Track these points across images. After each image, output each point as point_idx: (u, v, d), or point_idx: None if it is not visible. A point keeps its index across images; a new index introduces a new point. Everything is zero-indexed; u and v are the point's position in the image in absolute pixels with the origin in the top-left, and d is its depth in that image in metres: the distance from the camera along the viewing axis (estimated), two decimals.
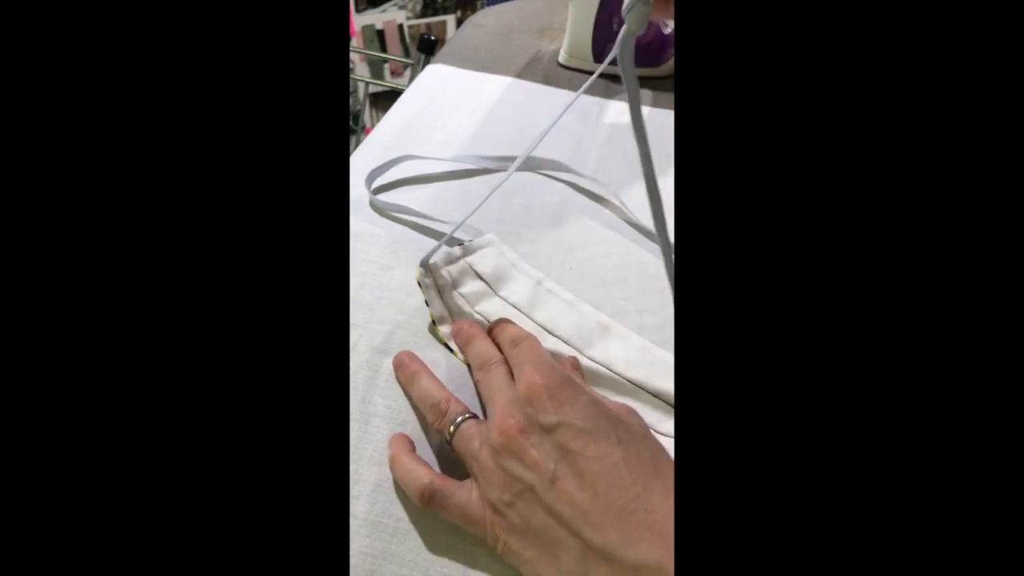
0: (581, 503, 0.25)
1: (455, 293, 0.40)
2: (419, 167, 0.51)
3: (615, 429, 0.27)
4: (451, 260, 0.41)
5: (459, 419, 0.30)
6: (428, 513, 0.30)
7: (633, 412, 0.30)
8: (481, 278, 0.41)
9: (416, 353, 0.37)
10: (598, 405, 0.28)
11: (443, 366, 0.37)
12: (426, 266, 0.40)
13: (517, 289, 0.41)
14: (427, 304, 0.39)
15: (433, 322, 0.38)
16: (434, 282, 0.40)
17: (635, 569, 0.23)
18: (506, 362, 0.32)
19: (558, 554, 0.25)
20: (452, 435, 0.30)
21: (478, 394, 0.34)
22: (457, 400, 0.32)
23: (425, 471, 0.30)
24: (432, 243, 0.44)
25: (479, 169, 0.51)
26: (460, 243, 0.43)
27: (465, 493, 0.29)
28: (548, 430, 0.27)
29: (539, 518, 0.26)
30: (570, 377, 0.29)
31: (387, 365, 0.37)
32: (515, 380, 0.29)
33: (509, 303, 0.40)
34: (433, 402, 0.32)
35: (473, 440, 0.29)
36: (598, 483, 0.25)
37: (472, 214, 0.37)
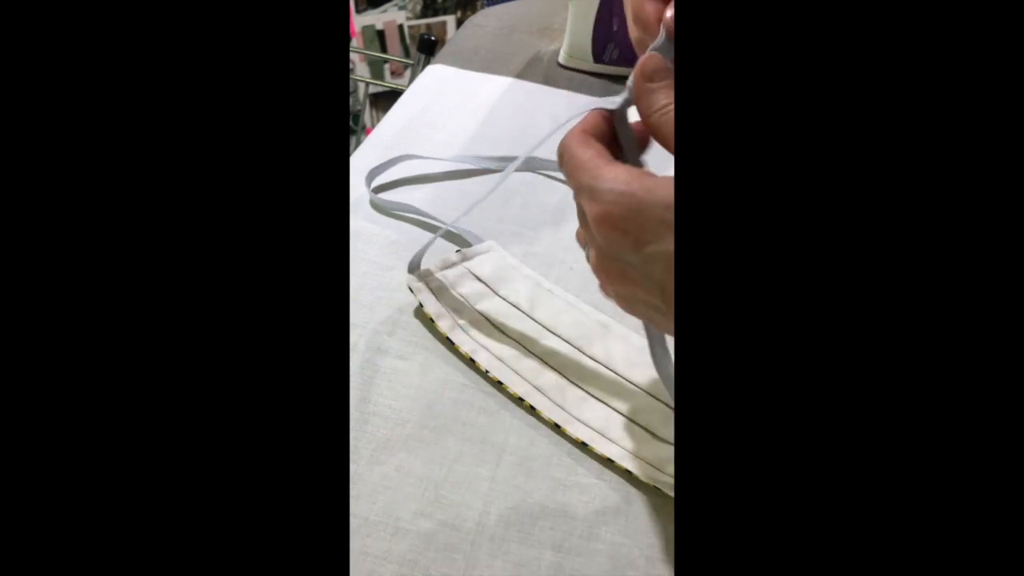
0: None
1: (454, 293, 0.40)
2: (419, 167, 0.51)
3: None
4: (447, 265, 0.41)
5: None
6: (427, 513, 0.30)
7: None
8: (480, 280, 0.41)
9: (415, 352, 0.37)
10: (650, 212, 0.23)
11: (441, 364, 0.37)
12: (416, 271, 0.40)
13: (517, 288, 0.41)
14: (421, 306, 0.39)
15: (431, 320, 0.38)
16: (426, 285, 0.40)
17: None
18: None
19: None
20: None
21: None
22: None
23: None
24: (432, 244, 0.44)
25: (479, 169, 0.51)
26: (459, 248, 0.43)
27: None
28: (638, 265, 0.24)
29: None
30: (630, 190, 0.24)
31: (387, 365, 0.37)
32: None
33: (509, 302, 0.40)
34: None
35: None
36: None
37: (465, 213, 0.37)
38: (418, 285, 0.39)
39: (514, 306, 0.40)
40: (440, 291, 0.40)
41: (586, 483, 0.32)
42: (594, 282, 0.42)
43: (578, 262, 0.44)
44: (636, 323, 0.40)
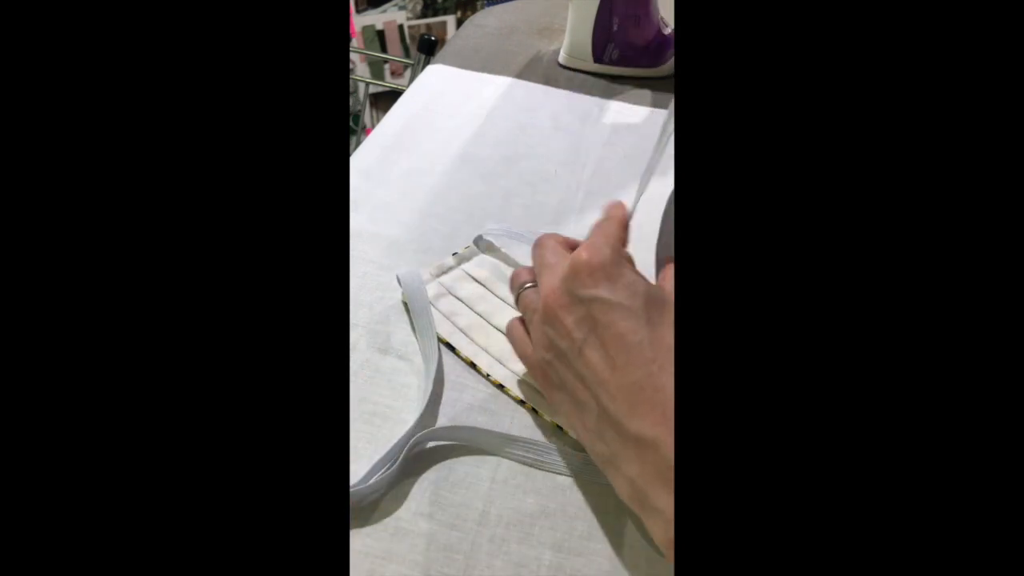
0: (601, 372, 0.28)
1: (452, 297, 0.40)
2: (419, 166, 0.51)
3: (648, 309, 0.28)
4: (444, 270, 0.41)
5: (524, 286, 0.34)
6: (428, 513, 0.30)
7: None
8: (478, 282, 0.41)
9: (415, 352, 0.37)
10: (637, 285, 0.29)
11: (445, 365, 0.37)
12: (407, 285, 0.39)
13: None
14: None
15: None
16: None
17: (635, 439, 0.26)
18: (560, 244, 0.34)
19: (584, 411, 0.29)
20: (517, 300, 0.34)
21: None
22: (528, 270, 0.35)
23: (521, 328, 0.35)
24: (432, 244, 0.44)
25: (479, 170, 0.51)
26: (455, 252, 0.43)
27: (525, 343, 0.33)
28: (585, 302, 0.29)
29: (570, 379, 0.29)
30: (616, 259, 0.29)
31: (387, 365, 0.37)
32: None
33: (508, 304, 0.40)
34: (513, 275, 0.36)
35: (529, 307, 0.33)
36: (619, 357, 0.27)
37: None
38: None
39: (513, 307, 0.40)
40: (437, 298, 0.40)
41: (586, 483, 0.32)
42: None
43: None
44: None
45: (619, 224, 0.32)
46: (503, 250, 0.44)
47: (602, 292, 0.28)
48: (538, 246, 0.34)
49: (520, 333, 0.34)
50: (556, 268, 0.31)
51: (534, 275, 0.34)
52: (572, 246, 0.33)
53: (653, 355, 0.26)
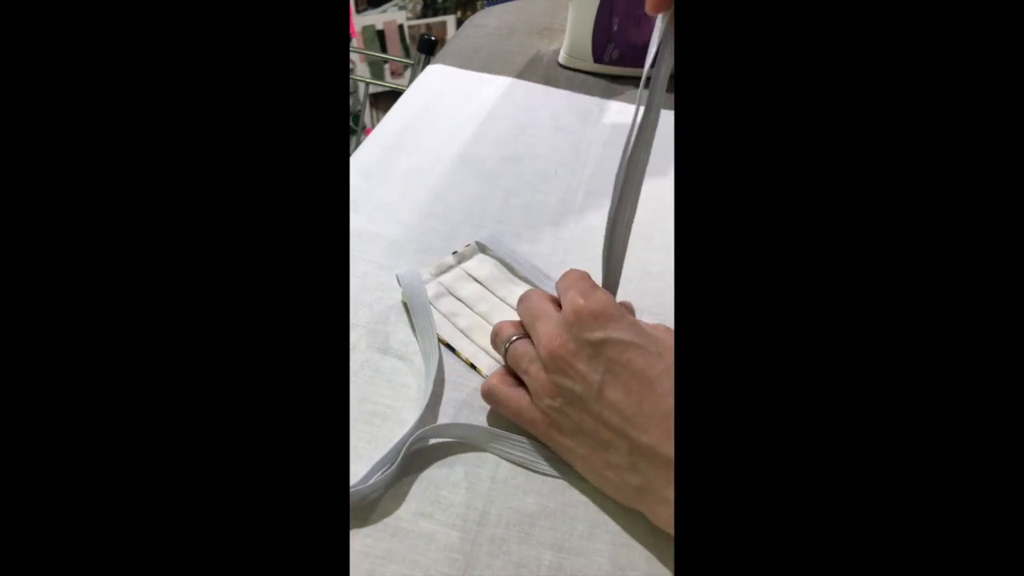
0: (626, 409, 0.29)
1: (452, 298, 0.40)
2: (419, 166, 0.51)
3: (655, 344, 0.30)
4: (443, 270, 0.41)
5: (511, 340, 0.34)
6: (428, 513, 0.30)
7: (669, 331, 0.32)
8: (478, 281, 0.41)
9: (415, 353, 0.37)
10: (637, 325, 0.31)
11: (445, 365, 0.37)
12: (406, 285, 0.39)
13: (515, 291, 0.41)
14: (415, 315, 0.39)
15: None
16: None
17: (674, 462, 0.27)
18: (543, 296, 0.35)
19: (608, 450, 0.30)
20: (506, 352, 0.34)
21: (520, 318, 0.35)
22: (510, 324, 0.35)
23: (496, 376, 0.34)
24: (432, 244, 0.44)
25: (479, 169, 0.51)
26: (455, 251, 0.43)
27: (519, 397, 0.33)
28: (596, 345, 0.30)
29: (588, 422, 0.30)
30: (613, 301, 0.31)
31: (387, 365, 0.37)
32: (562, 305, 0.32)
33: (507, 304, 0.40)
34: (495, 331, 0.36)
35: (523, 357, 0.33)
36: (644, 391, 0.28)
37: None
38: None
39: (513, 308, 0.40)
40: (437, 298, 0.40)
41: (586, 483, 0.32)
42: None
43: (579, 263, 0.44)
44: None
45: (583, 274, 0.33)
46: (504, 250, 0.44)
47: (612, 333, 0.29)
48: (523, 301, 0.35)
49: (505, 392, 0.33)
50: (551, 316, 0.32)
51: (518, 328, 0.34)
52: (552, 300, 0.34)
53: (673, 385, 0.28)
